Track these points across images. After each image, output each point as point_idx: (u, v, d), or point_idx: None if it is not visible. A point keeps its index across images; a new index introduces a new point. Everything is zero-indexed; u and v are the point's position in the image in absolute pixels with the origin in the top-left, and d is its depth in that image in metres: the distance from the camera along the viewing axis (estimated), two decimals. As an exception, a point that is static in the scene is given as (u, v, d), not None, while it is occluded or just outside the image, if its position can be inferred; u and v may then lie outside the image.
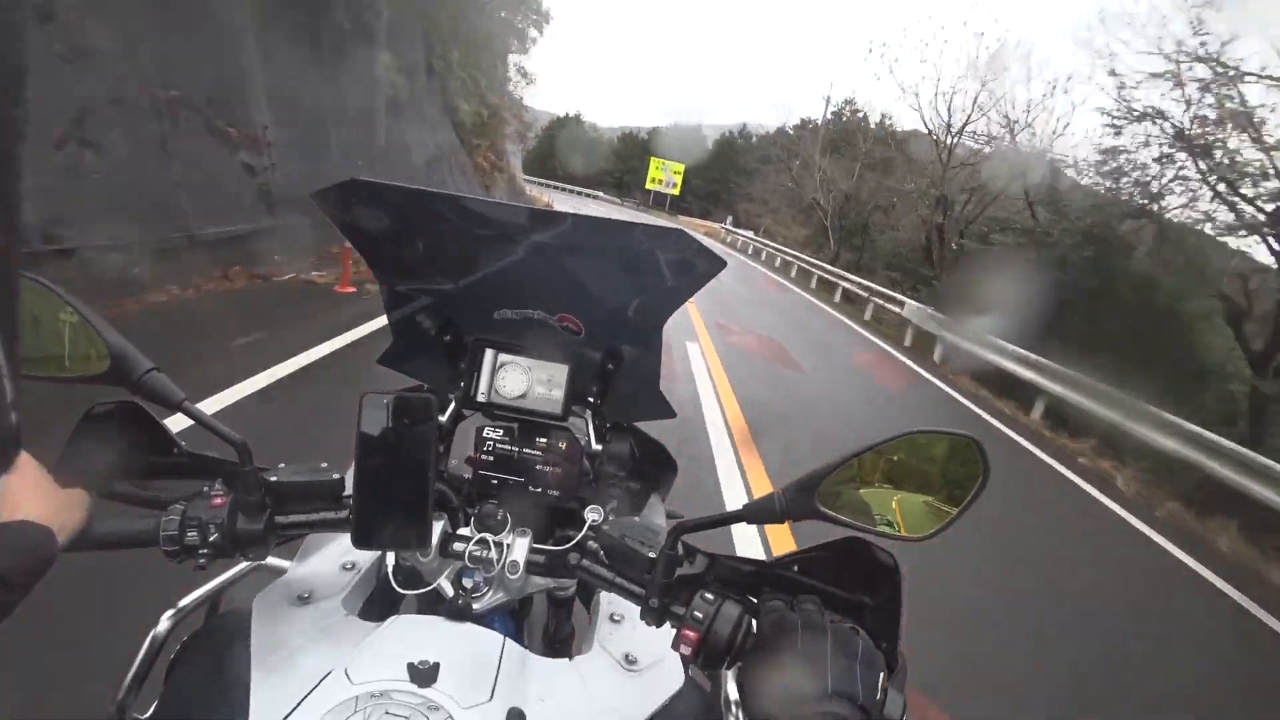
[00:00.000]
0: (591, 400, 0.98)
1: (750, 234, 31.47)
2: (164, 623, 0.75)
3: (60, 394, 0.64)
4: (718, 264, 0.77)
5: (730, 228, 34.60)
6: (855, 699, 0.53)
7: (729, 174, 46.47)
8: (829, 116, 33.47)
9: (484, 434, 0.92)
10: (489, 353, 0.92)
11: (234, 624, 0.71)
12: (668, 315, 0.87)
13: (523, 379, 0.92)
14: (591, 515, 0.80)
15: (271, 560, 0.86)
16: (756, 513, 0.62)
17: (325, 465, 0.76)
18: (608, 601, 0.86)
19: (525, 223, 0.80)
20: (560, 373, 0.92)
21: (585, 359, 0.94)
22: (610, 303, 0.87)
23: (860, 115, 32.07)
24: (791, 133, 36.87)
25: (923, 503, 0.59)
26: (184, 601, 0.78)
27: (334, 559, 0.85)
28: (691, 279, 0.80)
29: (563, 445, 0.93)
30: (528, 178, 32.71)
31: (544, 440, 0.93)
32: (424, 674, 0.59)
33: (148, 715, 0.69)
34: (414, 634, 0.67)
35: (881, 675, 0.56)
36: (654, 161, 43.38)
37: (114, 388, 0.65)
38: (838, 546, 0.67)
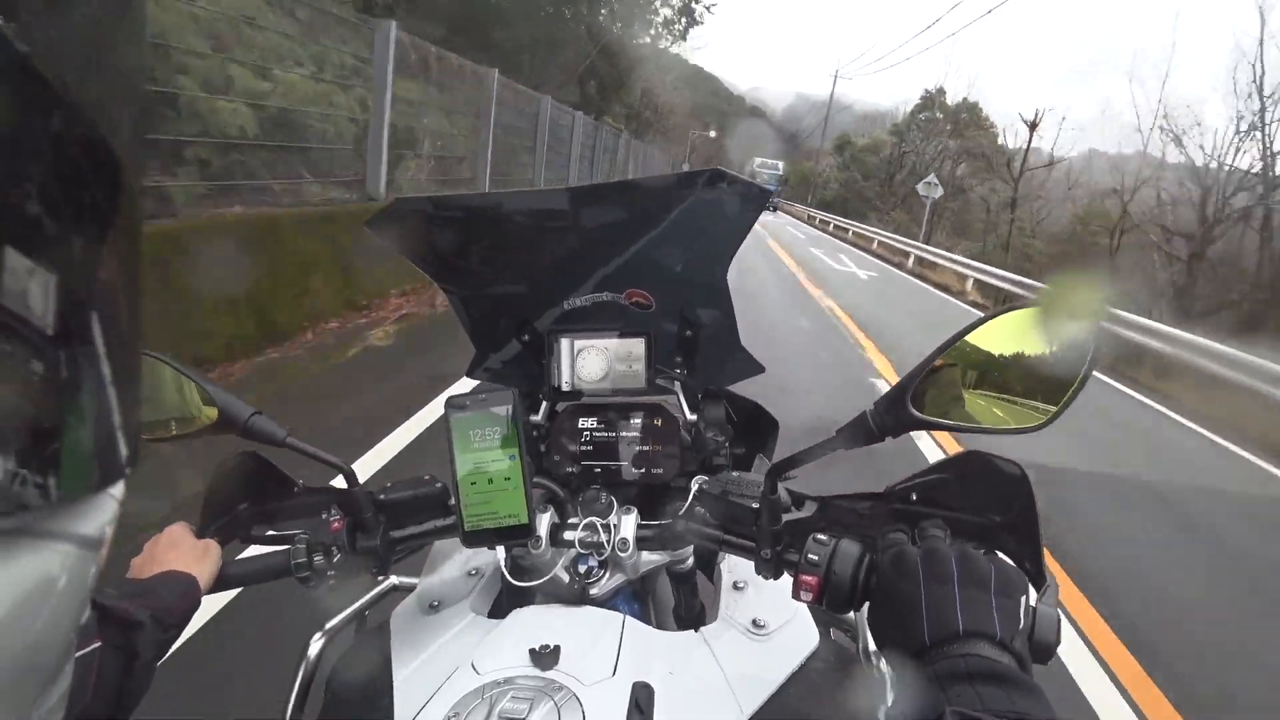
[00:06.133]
0: (678, 372, 0.96)
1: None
2: (314, 645, 0.80)
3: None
4: (762, 196, 0.74)
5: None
6: (992, 636, 0.47)
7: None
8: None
9: (580, 424, 0.93)
10: (564, 341, 0.92)
11: (378, 639, 0.75)
12: (728, 261, 0.84)
13: (601, 361, 0.92)
14: (697, 484, 0.78)
15: (404, 578, 0.91)
16: (851, 436, 0.57)
17: (429, 477, 0.78)
18: (729, 570, 0.83)
19: (568, 204, 0.80)
20: (638, 346, 0.91)
21: (662, 331, 0.93)
22: (672, 265, 0.85)
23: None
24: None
25: (1029, 387, 0.52)
26: (329, 624, 0.83)
27: (459, 568, 0.87)
28: (739, 218, 0.77)
29: (658, 422, 0.93)
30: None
31: (639, 421, 0.92)
32: (545, 658, 0.59)
33: None
34: (535, 622, 0.68)
35: (1023, 599, 0.50)
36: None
37: (224, 436, 0.70)
38: (955, 464, 0.61)
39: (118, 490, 0.26)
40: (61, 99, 0.20)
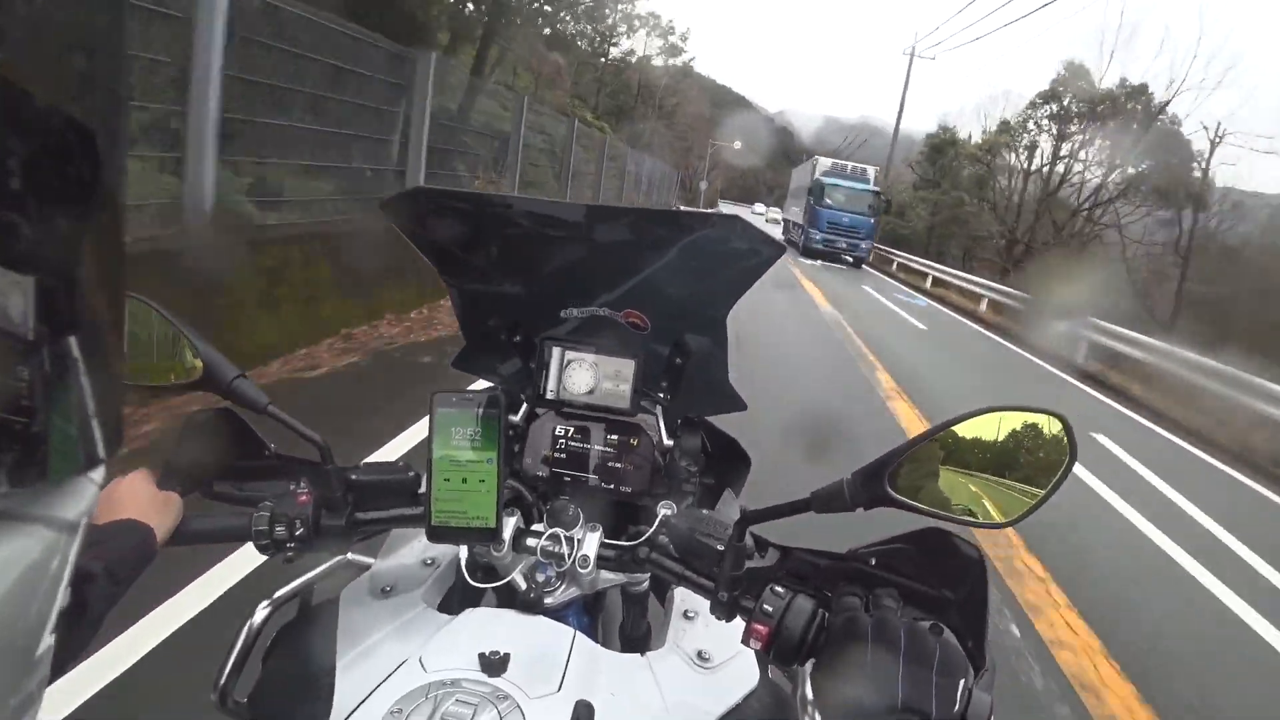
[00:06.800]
0: (661, 396, 0.97)
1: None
2: (259, 613, 0.80)
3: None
4: (777, 249, 0.75)
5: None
6: (928, 714, 0.50)
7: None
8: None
9: (556, 432, 0.93)
10: (556, 350, 0.93)
11: (324, 615, 0.75)
12: (730, 305, 0.85)
13: (590, 375, 0.92)
14: (663, 510, 0.79)
15: (358, 556, 0.91)
16: (825, 501, 0.59)
17: (402, 464, 0.79)
18: (681, 598, 0.84)
19: (584, 220, 0.81)
20: (627, 368, 0.92)
21: (652, 354, 0.93)
22: (673, 296, 0.86)
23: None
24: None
25: (1002, 485, 0.54)
26: (278, 594, 0.82)
27: (416, 555, 0.88)
28: (751, 266, 0.78)
29: (634, 442, 0.93)
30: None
31: (615, 437, 0.93)
32: (494, 664, 0.60)
33: (246, 699, 0.74)
34: (486, 625, 0.69)
35: (963, 681, 0.52)
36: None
37: (207, 393, 0.70)
38: (917, 537, 0.62)
39: (98, 475, 0.26)
40: (34, 100, 0.20)
